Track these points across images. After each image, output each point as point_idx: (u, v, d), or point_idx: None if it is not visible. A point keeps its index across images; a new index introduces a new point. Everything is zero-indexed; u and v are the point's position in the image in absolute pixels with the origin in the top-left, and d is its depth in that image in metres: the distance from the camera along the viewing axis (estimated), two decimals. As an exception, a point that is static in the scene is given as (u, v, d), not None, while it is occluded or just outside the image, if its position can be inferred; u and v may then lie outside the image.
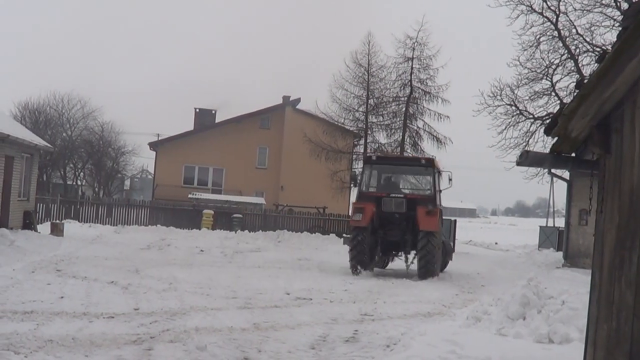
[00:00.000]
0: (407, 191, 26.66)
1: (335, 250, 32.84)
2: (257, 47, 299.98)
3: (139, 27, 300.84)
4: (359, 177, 25.53)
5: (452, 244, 35.73)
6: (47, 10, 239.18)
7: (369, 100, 41.17)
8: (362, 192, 24.99)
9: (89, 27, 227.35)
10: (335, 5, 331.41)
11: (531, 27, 33.52)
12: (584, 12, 32.04)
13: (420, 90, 40.66)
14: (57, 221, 35.88)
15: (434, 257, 23.53)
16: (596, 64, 6.10)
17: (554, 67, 33.69)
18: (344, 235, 37.12)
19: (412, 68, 40.48)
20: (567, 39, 32.90)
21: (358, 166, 42.26)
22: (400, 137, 40.48)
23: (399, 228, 24.42)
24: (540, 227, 48.75)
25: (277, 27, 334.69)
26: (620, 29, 5.78)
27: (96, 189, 66.46)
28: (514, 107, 35.06)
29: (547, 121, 12.94)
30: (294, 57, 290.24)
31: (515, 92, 34.97)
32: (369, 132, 41.40)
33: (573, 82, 32.38)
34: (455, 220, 42.31)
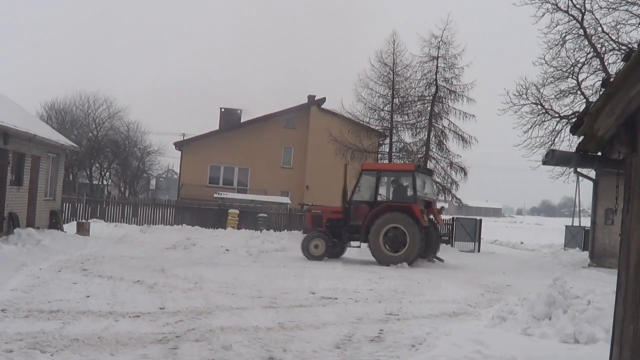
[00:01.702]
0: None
1: (360, 249, 32.79)
2: (265, 46, 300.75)
3: (149, 27, 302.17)
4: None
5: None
6: (55, 9, 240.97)
7: (394, 100, 41.02)
8: (419, 197, 27.93)
9: (94, 27, 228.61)
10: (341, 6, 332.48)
11: (557, 25, 33.34)
12: (610, 10, 31.82)
13: (445, 89, 40.47)
14: (83, 221, 36.08)
15: None
16: (622, 62, 6.06)
17: (579, 65, 33.49)
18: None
19: (437, 67, 40.31)
20: (593, 37, 32.67)
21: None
22: (426, 136, 40.37)
23: None
24: (566, 226, 48.58)
25: (287, 26, 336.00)
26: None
27: (122, 189, 66.90)
28: (539, 106, 34.87)
29: (573, 120, 12.87)
30: (307, 56, 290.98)
31: (541, 90, 34.81)
32: (394, 131, 41.27)
33: (599, 80, 32.15)
34: (480, 220, 42.22)
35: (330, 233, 28.69)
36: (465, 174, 40.79)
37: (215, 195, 47.15)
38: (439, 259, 29.46)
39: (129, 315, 12.73)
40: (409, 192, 28.36)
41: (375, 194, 28.51)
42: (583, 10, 32.43)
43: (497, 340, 11.16)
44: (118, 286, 16.61)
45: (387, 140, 41.92)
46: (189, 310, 13.61)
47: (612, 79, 6.22)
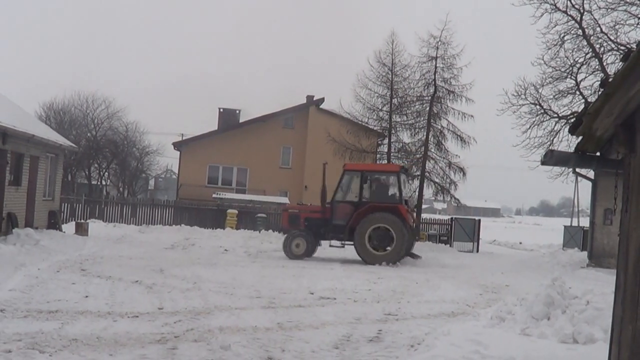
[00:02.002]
0: None
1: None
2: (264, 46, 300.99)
3: (148, 27, 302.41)
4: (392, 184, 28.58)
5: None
6: (53, 9, 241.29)
7: (393, 100, 40.96)
8: (402, 198, 28.85)
9: (93, 27, 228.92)
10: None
11: (555, 25, 33.33)
12: (609, 10, 31.81)
13: (444, 90, 40.47)
14: (82, 221, 36.09)
15: None
16: (621, 63, 6.07)
17: (578, 65, 33.47)
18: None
19: (435, 67, 40.32)
20: (592, 37, 32.67)
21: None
22: (424, 136, 40.38)
23: None
24: (565, 226, 48.63)
25: (285, 26, 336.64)
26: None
27: (120, 189, 66.81)
28: (538, 106, 34.86)
29: (572, 120, 12.87)
30: (306, 56, 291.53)
31: (540, 91, 34.79)
32: (393, 131, 41.22)
33: (597, 80, 32.17)
34: (479, 220, 42.25)
35: (311, 233, 29.02)
36: (464, 174, 40.86)
37: (214, 195, 47.06)
38: (415, 255, 29.91)
39: (127, 315, 12.73)
40: (394, 193, 29.28)
41: (360, 194, 28.98)
42: (582, 11, 32.43)
43: (496, 341, 11.16)
44: (117, 286, 16.61)
45: (386, 141, 41.87)
46: (188, 311, 13.61)
47: (610, 79, 6.23)
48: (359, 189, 29.06)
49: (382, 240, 27.81)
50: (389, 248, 27.63)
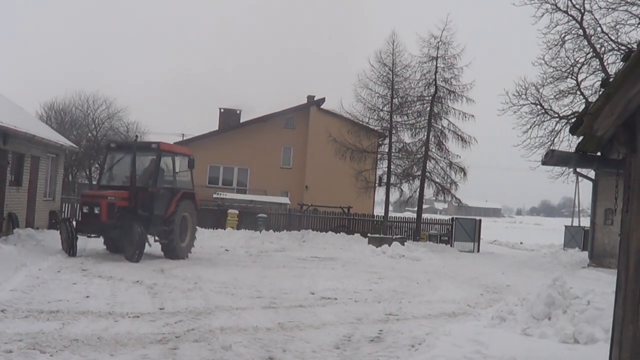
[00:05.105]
0: None
1: (359, 249, 32.79)
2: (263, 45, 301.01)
3: (148, 27, 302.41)
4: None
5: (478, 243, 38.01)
6: (56, 9, 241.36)
7: (394, 100, 40.99)
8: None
9: (94, 28, 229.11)
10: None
11: (556, 25, 33.43)
12: (609, 10, 31.89)
13: (444, 90, 40.58)
14: (83, 221, 36.03)
15: None
16: (621, 63, 6.07)
17: (579, 65, 33.56)
18: (369, 235, 37.08)
19: (436, 67, 40.43)
20: (592, 37, 32.74)
21: (383, 166, 42.22)
22: (425, 136, 40.45)
23: None
24: (566, 226, 48.71)
25: (286, 27, 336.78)
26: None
27: (121, 189, 66.65)
28: (539, 106, 34.95)
29: (573, 120, 12.88)
30: (307, 57, 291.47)
31: (540, 91, 34.92)
32: (394, 131, 41.24)
33: (598, 80, 32.22)
34: (479, 220, 42.27)
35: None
36: (465, 174, 40.92)
37: (215, 195, 46.97)
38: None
39: (128, 315, 12.74)
40: (188, 178, 26.52)
41: (174, 180, 25.46)
42: (582, 11, 32.50)
43: (497, 341, 11.17)
44: (117, 286, 16.61)
45: (387, 141, 41.88)
46: (189, 311, 13.62)
47: (611, 79, 6.23)
48: (172, 173, 25.50)
49: (183, 231, 25.14)
50: (186, 239, 25.45)
